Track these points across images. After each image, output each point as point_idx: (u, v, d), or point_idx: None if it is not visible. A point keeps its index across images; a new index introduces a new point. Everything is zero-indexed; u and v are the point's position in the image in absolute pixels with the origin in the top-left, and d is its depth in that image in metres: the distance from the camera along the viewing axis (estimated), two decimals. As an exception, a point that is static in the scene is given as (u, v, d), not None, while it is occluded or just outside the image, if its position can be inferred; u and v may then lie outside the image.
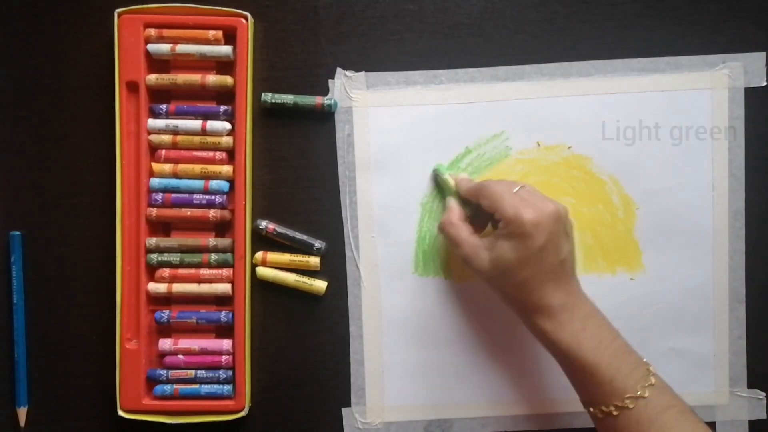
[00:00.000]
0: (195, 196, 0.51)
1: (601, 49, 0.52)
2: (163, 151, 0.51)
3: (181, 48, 0.50)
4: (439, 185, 0.52)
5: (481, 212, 0.48)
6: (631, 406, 0.42)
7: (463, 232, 0.47)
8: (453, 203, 0.49)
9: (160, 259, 0.50)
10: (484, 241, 0.46)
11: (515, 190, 0.45)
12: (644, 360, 0.44)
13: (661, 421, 0.41)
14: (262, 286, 0.52)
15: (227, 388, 0.51)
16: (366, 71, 0.52)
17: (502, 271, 0.44)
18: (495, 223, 0.47)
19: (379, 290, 0.52)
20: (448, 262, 0.52)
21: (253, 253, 0.52)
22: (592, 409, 0.44)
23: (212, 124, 0.50)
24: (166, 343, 0.51)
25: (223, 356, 0.51)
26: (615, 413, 0.42)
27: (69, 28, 0.52)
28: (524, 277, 0.43)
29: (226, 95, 0.51)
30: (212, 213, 0.51)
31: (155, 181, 0.51)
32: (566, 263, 0.44)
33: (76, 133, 0.52)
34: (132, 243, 0.51)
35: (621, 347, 0.44)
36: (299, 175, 0.52)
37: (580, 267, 0.52)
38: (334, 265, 0.52)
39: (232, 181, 0.51)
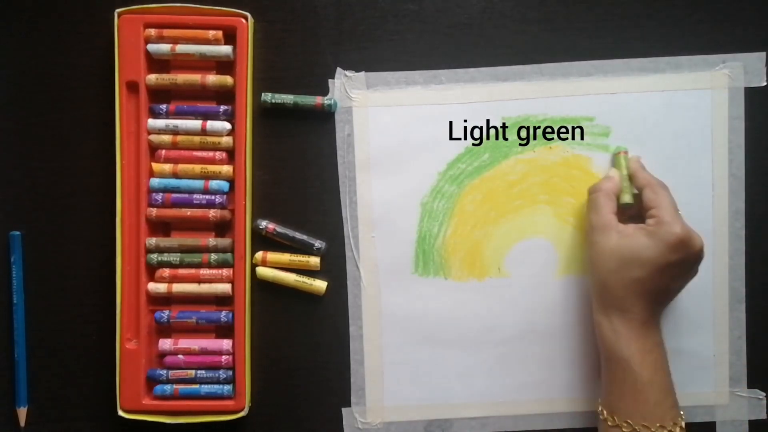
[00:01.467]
0: (195, 196, 0.51)
1: (601, 49, 0.52)
2: (163, 151, 0.51)
3: (181, 48, 0.50)
4: (612, 157, 0.51)
5: (634, 205, 0.48)
6: None
7: (609, 205, 0.47)
8: (616, 175, 0.49)
9: (160, 259, 0.50)
10: (620, 225, 0.46)
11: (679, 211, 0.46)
12: (681, 412, 0.46)
13: None
14: (262, 286, 0.52)
15: (227, 388, 0.51)
16: (366, 71, 0.52)
17: (621, 260, 0.44)
18: (640, 220, 0.47)
19: (379, 290, 0.52)
20: (449, 261, 0.52)
21: (253, 253, 0.52)
22: (606, 414, 0.45)
23: (212, 124, 0.50)
24: (166, 343, 0.51)
25: (223, 356, 0.50)
26: (634, 430, 0.43)
27: (69, 28, 0.52)
28: (635, 277, 0.44)
29: (226, 95, 0.51)
30: (212, 213, 0.51)
31: (155, 181, 0.51)
32: (670, 293, 0.46)
33: (76, 133, 0.52)
34: (132, 243, 0.51)
35: (671, 385, 0.46)
36: (299, 175, 0.52)
37: (580, 267, 0.52)
38: (334, 265, 0.52)
39: (232, 181, 0.51)
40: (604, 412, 0.45)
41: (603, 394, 0.46)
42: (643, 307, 0.45)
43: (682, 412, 0.45)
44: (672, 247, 0.44)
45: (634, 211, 0.49)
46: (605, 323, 0.46)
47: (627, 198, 0.49)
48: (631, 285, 0.44)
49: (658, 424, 0.43)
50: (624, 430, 0.44)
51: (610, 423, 0.44)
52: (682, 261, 0.44)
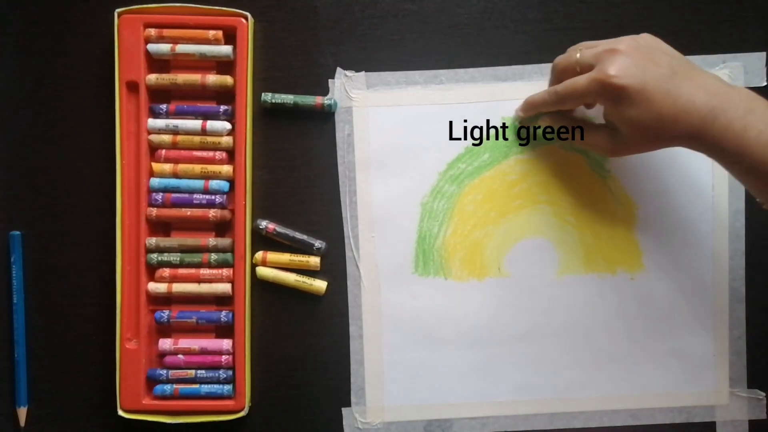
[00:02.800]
0: (195, 196, 0.51)
1: (601, 49, 0.52)
2: (163, 151, 0.51)
3: (181, 48, 0.50)
4: (516, 122, 0.52)
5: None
6: None
7: (589, 133, 0.46)
8: (549, 118, 0.49)
9: (160, 259, 0.50)
10: (608, 125, 0.45)
11: (578, 57, 0.44)
12: None
13: None
14: (262, 286, 0.52)
15: (227, 388, 0.51)
16: (366, 71, 0.52)
17: (641, 130, 0.42)
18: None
19: (379, 290, 0.52)
20: (449, 261, 0.52)
21: (253, 253, 0.52)
22: None
23: (212, 124, 0.50)
24: (166, 343, 0.51)
25: (223, 356, 0.51)
26: None
27: (69, 28, 0.52)
28: (656, 116, 0.41)
29: (226, 95, 0.51)
30: (212, 213, 0.51)
31: (155, 181, 0.51)
32: (678, 71, 0.41)
33: (76, 133, 0.52)
34: (132, 243, 0.51)
35: None
36: (299, 175, 0.52)
37: (580, 267, 0.52)
38: (334, 265, 0.52)
39: (232, 181, 0.51)
40: None
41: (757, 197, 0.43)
42: (690, 107, 0.40)
43: None
44: (622, 87, 0.41)
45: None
46: (703, 151, 0.42)
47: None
48: (664, 121, 0.41)
49: None
50: None
51: None
52: (636, 69, 0.41)
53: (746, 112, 0.40)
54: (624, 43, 0.42)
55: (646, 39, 0.44)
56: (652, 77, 0.41)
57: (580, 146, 0.50)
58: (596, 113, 0.49)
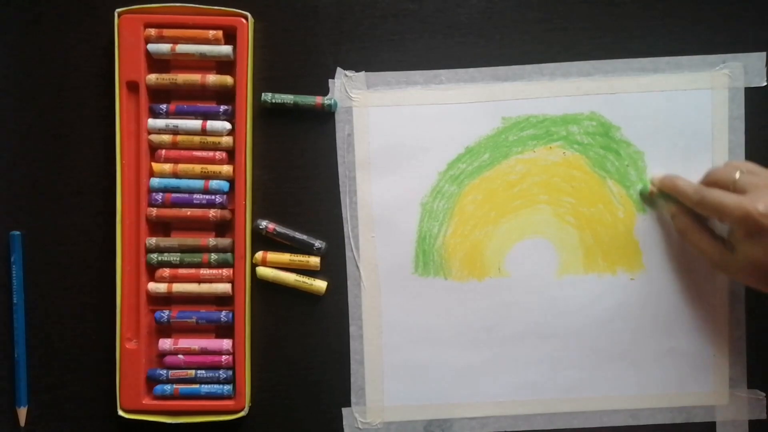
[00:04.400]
0: (195, 196, 0.51)
1: (601, 49, 0.52)
2: (163, 151, 0.51)
3: (181, 48, 0.50)
4: (642, 195, 0.51)
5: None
6: None
7: (704, 237, 0.47)
8: (675, 208, 0.49)
9: (160, 258, 0.50)
10: (726, 243, 0.46)
11: (737, 177, 0.44)
12: None
13: None
14: (262, 286, 0.52)
15: (227, 388, 0.51)
16: (366, 71, 0.52)
17: (755, 268, 0.44)
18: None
19: (379, 290, 0.52)
20: (449, 261, 0.52)
21: (253, 253, 0.52)
22: None
23: (212, 124, 0.50)
24: (166, 343, 0.51)
25: (223, 356, 0.51)
26: None
27: (69, 28, 0.52)
28: None
29: (226, 95, 0.51)
30: (212, 213, 0.51)
31: (155, 181, 0.51)
32: None
33: (76, 133, 0.52)
34: (132, 243, 0.51)
35: None
36: (299, 175, 0.52)
37: (580, 267, 0.52)
38: (334, 265, 0.52)
39: (232, 181, 0.51)
40: None
41: None
42: None
43: None
44: (762, 231, 0.42)
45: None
46: None
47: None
48: None
49: None
50: None
51: None
52: (761, 229, 0.42)
53: None
54: None
55: None
56: None
57: (687, 242, 0.49)
58: (721, 226, 0.49)
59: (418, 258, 0.52)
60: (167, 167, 0.51)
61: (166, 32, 0.50)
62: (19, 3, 0.52)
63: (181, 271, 0.51)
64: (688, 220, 0.49)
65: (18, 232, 0.52)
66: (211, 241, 0.51)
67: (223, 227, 0.52)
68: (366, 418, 0.52)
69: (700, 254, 0.48)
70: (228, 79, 0.50)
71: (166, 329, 0.51)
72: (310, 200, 0.52)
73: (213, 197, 0.51)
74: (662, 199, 0.51)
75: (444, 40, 0.52)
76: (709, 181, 0.48)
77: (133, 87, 0.50)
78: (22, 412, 0.52)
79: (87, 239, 0.52)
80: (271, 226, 0.52)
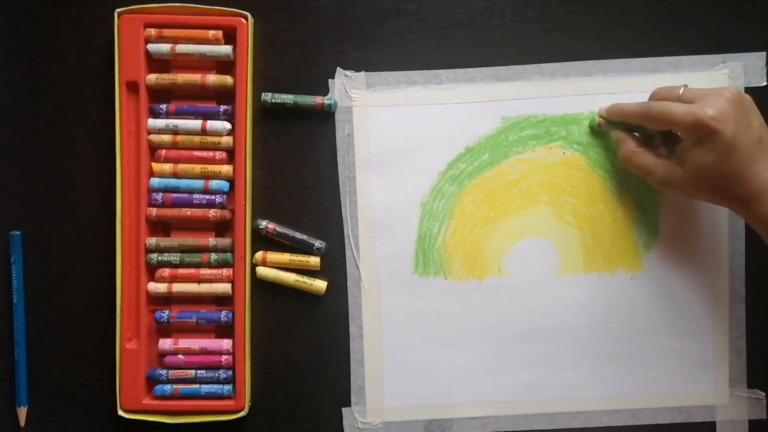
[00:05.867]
0: (195, 195, 0.51)
1: (601, 49, 0.52)
2: (163, 151, 0.51)
3: (181, 48, 0.50)
4: (592, 129, 0.52)
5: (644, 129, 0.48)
6: None
7: (649, 158, 0.47)
8: (622, 134, 0.49)
9: (160, 258, 0.50)
10: (673, 158, 0.46)
11: (681, 93, 0.45)
12: None
13: None
14: (262, 286, 0.52)
15: (227, 388, 0.51)
16: (366, 71, 0.52)
17: (705, 177, 0.44)
18: (666, 136, 0.47)
19: (379, 290, 0.52)
20: (449, 261, 0.52)
21: (253, 253, 0.52)
22: None
23: (212, 124, 0.50)
24: (166, 343, 0.51)
25: (223, 356, 0.50)
26: None
27: (69, 28, 0.52)
28: (727, 171, 0.43)
29: (226, 95, 0.51)
30: (212, 213, 0.51)
31: (155, 181, 0.51)
32: (764, 140, 0.44)
33: (76, 133, 0.52)
34: (132, 243, 0.51)
35: None
36: (299, 175, 0.52)
37: (579, 267, 0.52)
38: (334, 265, 0.52)
39: (232, 181, 0.51)
40: None
41: None
42: (761, 174, 0.43)
43: None
44: (718, 130, 0.42)
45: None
46: (755, 220, 0.45)
47: (649, 131, 0.49)
48: (734, 176, 0.43)
49: None
50: None
51: None
52: (735, 121, 0.43)
53: None
54: (729, 92, 0.44)
55: (748, 99, 0.45)
56: (743, 135, 0.43)
57: (633, 167, 0.49)
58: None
59: (418, 258, 0.52)
60: (167, 167, 0.51)
61: (166, 32, 0.50)
62: (20, 3, 0.52)
63: (181, 271, 0.51)
64: (632, 144, 0.48)
65: (18, 232, 0.52)
66: (211, 241, 0.51)
67: (223, 227, 0.52)
68: (366, 418, 0.52)
69: (646, 175, 0.48)
70: (228, 79, 0.50)
71: (166, 329, 0.51)
72: (310, 200, 0.52)
73: (213, 197, 0.51)
74: (610, 127, 0.50)
75: (444, 40, 0.52)
76: (654, 98, 0.48)
77: (133, 87, 0.50)
78: (22, 412, 0.52)
79: (87, 239, 0.52)
80: (271, 226, 0.52)
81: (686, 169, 0.45)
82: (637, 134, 0.49)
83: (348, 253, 0.52)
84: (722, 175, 0.44)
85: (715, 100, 0.43)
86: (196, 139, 0.51)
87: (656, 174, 0.47)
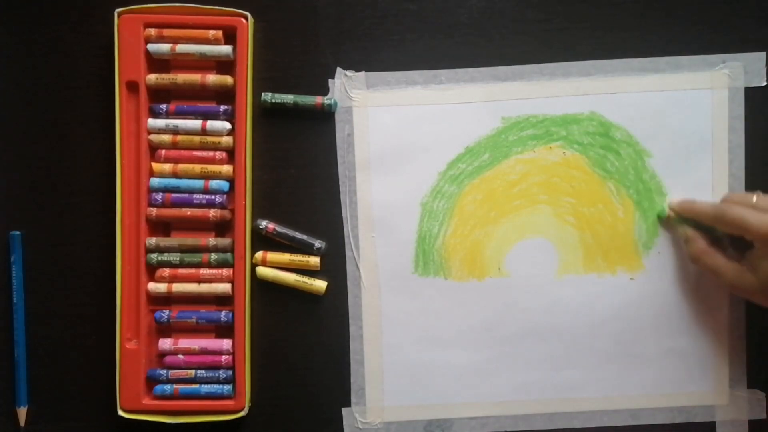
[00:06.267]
0: (195, 195, 0.51)
1: (601, 49, 0.52)
2: (163, 151, 0.51)
3: (181, 48, 0.50)
4: (660, 217, 0.51)
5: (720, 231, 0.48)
6: None
7: (720, 259, 0.47)
8: (691, 232, 0.49)
9: (160, 258, 0.50)
10: (745, 263, 0.46)
11: (754, 201, 0.45)
12: None
13: None
14: (262, 286, 0.52)
15: (227, 388, 0.51)
16: (366, 71, 0.52)
17: (765, 288, 0.44)
18: (735, 238, 0.47)
19: (379, 290, 0.52)
20: (449, 261, 0.52)
21: (253, 253, 0.52)
22: None
23: (212, 124, 0.50)
24: (166, 343, 0.51)
25: (223, 356, 0.51)
26: None
27: (69, 28, 0.52)
28: None
29: (226, 95, 0.51)
30: (212, 213, 0.51)
31: (155, 181, 0.51)
32: None
33: (76, 133, 0.52)
34: (132, 243, 0.51)
35: None
36: (299, 175, 0.52)
37: (580, 267, 0.52)
38: (334, 265, 0.52)
39: (232, 181, 0.51)
40: None
41: None
42: None
43: None
44: None
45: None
46: None
47: (718, 233, 0.48)
48: None
49: None
50: None
51: None
52: None
53: None
54: None
55: None
56: None
57: (703, 266, 0.49)
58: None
59: (418, 258, 0.52)
60: (167, 167, 0.51)
61: (166, 32, 0.50)
62: (20, 3, 0.52)
63: (181, 271, 0.51)
64: (702, 244, 0.48)
65: (18, 232, 0.52)
66: (211, 241, 0.51)
67: (223, 227, 0.52)
68: (366, 418, 0.52)
69: (717, 277, 0.48)
70: (228, 79, 0.50)
71: (166, 329, 0.51)
72: (310, 200, 0.52)
73: (213, 197, 0.51)
74: (678, 223, 0.51)
75: (444, 40, 0.52)
76: (726, 202, 0.48)
77: (133, 87, 0.50)
78: (22, 412, 0.52)
79: (87, 239, 0.52)
80: (271, 226, 0.52)
81: (758, 277, 0.45)
82: (706, 233, 0.49)
83: (348, 253, 0.52)
84: None
85: None
86: (196, 139, 0.51)
87: (727, 277, 0.47)
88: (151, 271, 0.51)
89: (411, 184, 0.52)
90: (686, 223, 0.50)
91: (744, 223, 0.44)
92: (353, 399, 0.52)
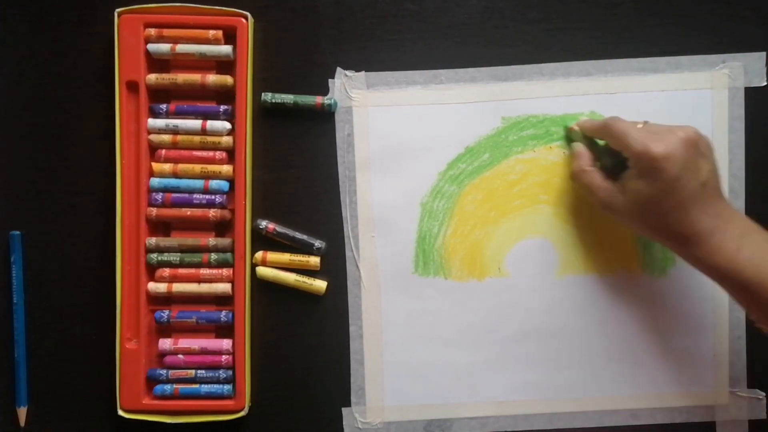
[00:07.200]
0: (195, 195, 0.51)
1: (601, 49, 0.52)
2: (163, 151, 0.51)
3: (181, 48, 0.50)
4: (566, 137, 0.52)
5: (608, 156, 0.48)
6: None
7: (596, 178, 0.47)
8: (581, 148, 0.49)
9: (160, 258, 0.50)
10: (617, 184, 0.46)
11: (639, 126, 0.45)
12: None
13: None
14: (262, 286, 0.52)
15: (227, 387, 0.51)
16: (366, 71, 0.52)
17: (642, 209, 0.44)
18: (623, 166, 0.46)
19: (379, 290, 0.52)
20: (449, 261, 0.52)
21: (253, 253, 0.52)
22: (764, 327, 0.43)
23: (212, 124, 0.50)
24: (166, 343, 0.51)
25: (223, 356, 0.51)
26: None
27: (69, 28, 0.52)
28: (665, 209, 0.43)
29: (226, 95, 0.51)
30: (212, 213, 0.51)
31: (155, 181, 0.51)
32: (708, 185, 0.43)
33: (76, 133, 0.52)
34: (132, 243, 0.51)
35: None
36: (299, 175, 0.52)
37: (580, 267, 0.52)
38: (334, 265, 0.52)
39: (232, 181, 0.51)
40: (760, 326, 0.44)
41: (745, 311, 0.44)
42: (698, 219, 0.43)
43: None
44: (664, 168, 0.42)
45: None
46: (687, 259, 0.44)
47: (605, 162, 0.48)
48: (671, 215, 0.43)
49: None
50: None
51: None
52: (683, 161, 0.42)
53: (742, 234, 0.43)
54: (686, 132, 0.43)
55: (705, 141, 0.45)
56: (686, 177, 0.43)
57: (579, 183, 0.49)
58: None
59: (418, 258, 0.52)
60: (167, 167, 0.51)
61: (166, 32, 0.50)
62: (20, 3, 0.52)
63: (181, 271, 0.51)
64: (585, 162, 0.49)
65: (18, 232, 0.52)
66: (211, 241, 0.51)
67: (223, 227, 0.52)
68: (366, 418, 0.52)
69: (590, 195, 0.48)
70: (228, 79, 0.50)
71: (166, 329, 0.51)
72: (310, 200, 0.52)
73: (213, 197, 0.51)
74: (576, 138, 0.50)
75: (444, 40, 0.52)
76: (615, 119, 0.47)
77: (133, 87, 0.50)
78: (22, 412, 0.52)
79: (87, 239, 0.52)
80: (271, 226, 0.52)
81: (626, 197, 0.45)
82: (593, 157, 0.49)
83: (348, 253, 0.52)
84: (658, 212, 0.44)
85: (669, 138, 0.43)
86: (196, 139, 0.51)
87: (598, 195, 0.47)
88: (151, 271, 0.51)
89: (411, 184, 0.52)
90: (582, 142, 0.50)
91: (625, 136, 0.44)
92: (353, 399, 0.52)
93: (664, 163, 0.42)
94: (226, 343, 0.51)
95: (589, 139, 0.50)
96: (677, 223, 0.43)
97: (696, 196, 0.43)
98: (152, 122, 0.51)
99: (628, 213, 0.45)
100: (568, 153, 0.52)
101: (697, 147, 0.43)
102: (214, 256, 0.51)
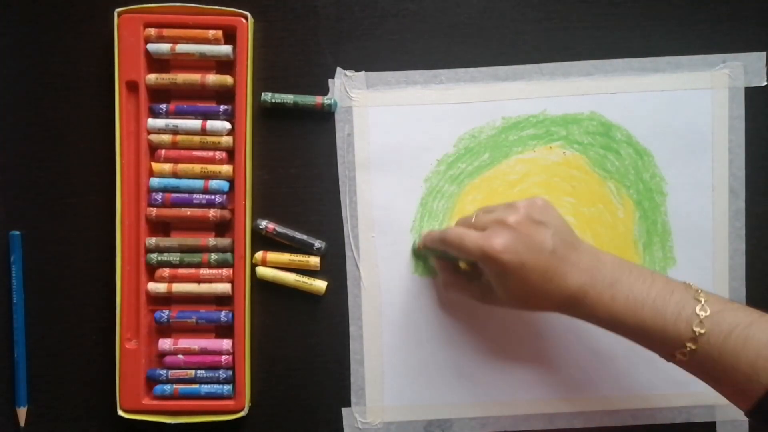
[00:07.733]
0: (195, 195, 0.51)
1: (601, 49, 0.52)
2: (163, 151, 0.51)
3: (181, 48, 0.50)
4: (415, 255, 0.52)
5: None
6: (694, 348, 0.40)
7: (464, 284, 0.49)
8: (438, 263, 0.50)
9: (159, 258, 0.50)
10: (484, 280, 0.46)
11: (473, 221, 0.45)
12: (690, 286, 0.42)
13: (729, 348, 0.39)
14: (262, 286, 0.52)
15: (227, 388, 0.51)
16: (366, 71, 0.52)
17: (513, 295, 0.44)
18: None
19: (379, 290, 0.52)
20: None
21: (253, 253, 0.52)
22: (669, 359, 0.43)
23: (212, 124, 0.50)
24: (165, 343, 0.51)
25: (223, 356, 0.50)
26: (685, 358, 0.41)
27: (69, 28, 0.52)
28: (532, 289, 0.42)
29: (226, 95, 0.51)
30: (212, 213, 0.51)
31: (155, 181, 0.51)
32: (558, 249, 0.42)
33: (76, 133, 0.52)
34: (132, 243, 0.51)
35: (659, 297, 0.41)
36: (299, 175, 0.52)
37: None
38: (334, 265, 0.52)
39: (232, 181, 0.51)
40: (666, 358, 0.43)
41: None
42: (563, 285, 0.42)
43: (691, 284, 0.42)
44: (505, 262, 0.41)
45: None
46: (576, 319, 0.44)
47: (463, 265, 0.50)
48: (536, 295, 0.43)
49: (692, 327, 0.40)
50: (684, 358, 0.41)
51: (677, 360, 0.42)
52: (521, 245, 0.42)
53: (612, 282, 0.42)
54: (514, 215, 0.43)
55: (539, 207, 0.44)
56: (532, 258, 0.42)
57: (455, 293, 0.50)
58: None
59: (418, 258, 0.52)
60: (167, 167, 0.51)
61: (166, 32, 0.50)
62: (20, 3, 0.52)
63: (181, 271, 0.51)
64: (447, 274, 0.49)
65: (18, 232, 0.52)
66: (211, 241, 0.51)
67: (222, 227, 0.52)
68: (366, 418, 0.52)
69: (469, 299, 0.48)
70: (228, 79, 0.50)
71: (165, 329, 0.51)
72: (310, 200, 0.52)
73: (213, 197, 0.51)
74: (429, 254, 0.51)
75: (444, 40, 0.52)
76: (450, 227, 0.48)
77: (132, 87, 0.50)
78: (22, 412, 0.52)
79: (87, 239, 0.52)
80: (271, 226, 0.52)
81: (498, 292, 0.44)
82: (453, 263, 0.50)
83: (348, 253, 0.52)
84: (529, 295, 0.43)
85: (500, 230, 0.42)
86: (196, 139, 0.51)
87: (475, 298, 0.48)
88: (151, 271, 0.51)
89: (411, 184, 0.52)
90: (434, 254, 0.50)
91: (461, 244, 0.43)
92: (353, 399, 0.52)
93: (504, 256, 0.41)
94: (226, 343, 0.51)
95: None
96: (552, 295, 0.42)
97: (549, 269, 0.42)
98: (152, 122, 0.51)
99: (507, 302, 0.45)
100: (568, 153, 0.52)
101: (531, 219, 0.43)
102: (214, 256, 0.51)
